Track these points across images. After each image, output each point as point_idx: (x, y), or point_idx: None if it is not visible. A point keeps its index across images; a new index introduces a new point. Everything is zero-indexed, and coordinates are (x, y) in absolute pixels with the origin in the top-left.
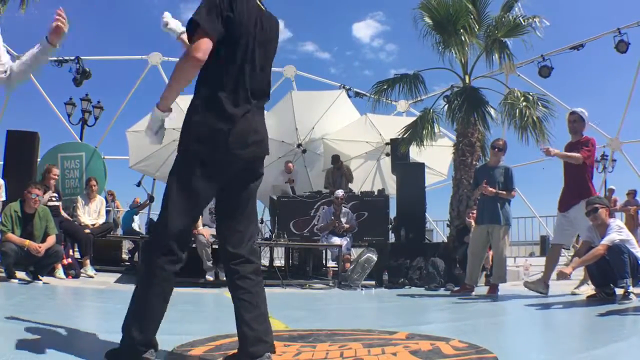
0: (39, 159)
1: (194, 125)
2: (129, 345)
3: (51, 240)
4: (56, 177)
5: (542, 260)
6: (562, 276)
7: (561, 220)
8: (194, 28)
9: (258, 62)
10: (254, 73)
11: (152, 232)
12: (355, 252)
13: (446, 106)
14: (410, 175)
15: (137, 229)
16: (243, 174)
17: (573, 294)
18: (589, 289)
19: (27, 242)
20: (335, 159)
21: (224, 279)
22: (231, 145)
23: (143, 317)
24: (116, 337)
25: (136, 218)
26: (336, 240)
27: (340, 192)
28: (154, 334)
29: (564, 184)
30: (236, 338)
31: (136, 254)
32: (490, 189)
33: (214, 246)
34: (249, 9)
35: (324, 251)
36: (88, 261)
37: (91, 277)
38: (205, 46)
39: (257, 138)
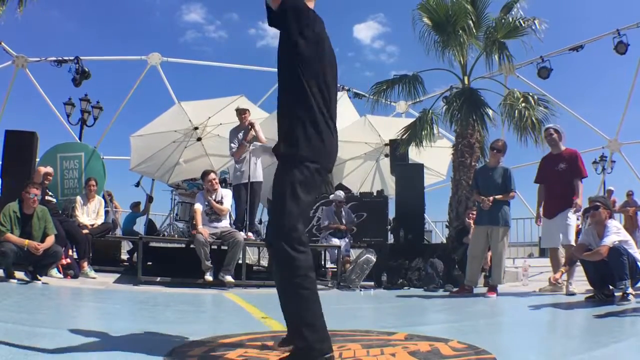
0: (37, 159)
1: None
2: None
3: (50, 240)
4: (50, 177)
5: (541, 262)
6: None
7: (548, 225)
8: None
9: None
10: None
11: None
12: (354, 253)
13: (445, 107)
14: (409, 176)
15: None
16: None
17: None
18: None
19: (27, 241)
20: None
21: (229, 281)
22: None
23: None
24: (115, 337)
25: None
26: (335, 241)
27: (341, 195)
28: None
29: (554, 193)
30: (235, 338)
31: (135, 254)
32: (488, 201)
33: (212, 246)
34: None
35: (322, 252)
36: (86, 263)
37: (93, 278)
38: None
39: None
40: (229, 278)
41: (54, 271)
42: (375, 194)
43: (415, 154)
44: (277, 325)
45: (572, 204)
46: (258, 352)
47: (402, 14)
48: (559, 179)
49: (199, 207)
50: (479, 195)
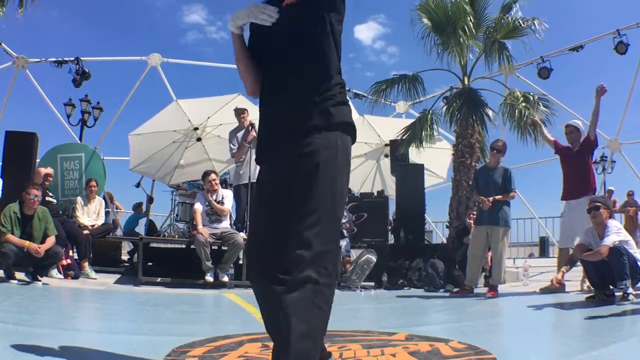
0: (38, 160)
1: None
2: None
3: (51, 241)
4: (51, 177)
5: (542, 262)
6: (557, 284)
7: (568, 221)
8: None
9: None
10: None
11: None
12: (354, 253)
13: (445, 107)
14: (409, 176)
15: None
16: None
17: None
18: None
19: (27, 243)
20: None
21: (224, 279)
22: None
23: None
24: (116, 338)
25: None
26: None
27: None
28: None
29: (571, 175)
30: (236, 339)
31: (135, 255)
32: (488, 201)
33: (212, 247)
34: None
35: None
36: (87, 264)
37: (94, 279)
38: None
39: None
40: (225, 278)
41: (54, 272)
42: (375, 194)
43: (415, 155)
44: None
45: (589, 191)
46: (258, 353)
47: (402, 15)
48: (575, 160)
49: (199, 207)
50: (479, 195)
